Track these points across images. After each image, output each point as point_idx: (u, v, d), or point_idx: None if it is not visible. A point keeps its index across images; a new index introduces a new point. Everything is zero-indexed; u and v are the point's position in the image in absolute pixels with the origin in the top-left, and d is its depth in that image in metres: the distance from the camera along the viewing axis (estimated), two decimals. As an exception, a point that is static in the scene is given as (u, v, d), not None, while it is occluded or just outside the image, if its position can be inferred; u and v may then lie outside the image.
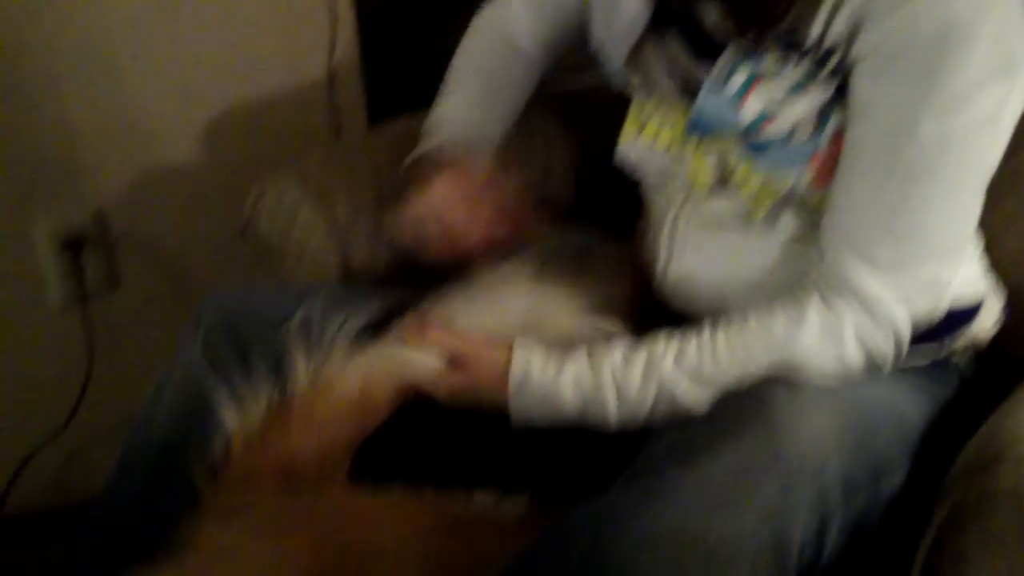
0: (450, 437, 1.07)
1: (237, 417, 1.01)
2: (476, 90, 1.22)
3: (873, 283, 0.93)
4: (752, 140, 0.97)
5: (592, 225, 1.19)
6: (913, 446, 0.94)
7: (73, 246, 1.57)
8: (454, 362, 1.02)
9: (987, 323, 1.07)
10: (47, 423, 1.63)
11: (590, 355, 1.00)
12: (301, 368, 1.01)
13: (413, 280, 1.14)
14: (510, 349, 1.00)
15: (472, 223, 1.09)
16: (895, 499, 0.90)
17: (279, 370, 1.01)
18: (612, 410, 0.97)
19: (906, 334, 0.96)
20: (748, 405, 0.82)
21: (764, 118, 0.95)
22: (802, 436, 0.79)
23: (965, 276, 1.04)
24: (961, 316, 1.04)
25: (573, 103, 1.38)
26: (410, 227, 1.09)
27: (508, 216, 1.12)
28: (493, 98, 1.23)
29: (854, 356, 0.95)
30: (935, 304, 0.97)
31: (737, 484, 0.76)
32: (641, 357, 0.98)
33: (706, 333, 0.97)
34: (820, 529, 0.80)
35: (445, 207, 1.08)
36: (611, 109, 1.10)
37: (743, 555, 0.75)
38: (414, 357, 1.03)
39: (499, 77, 1.23)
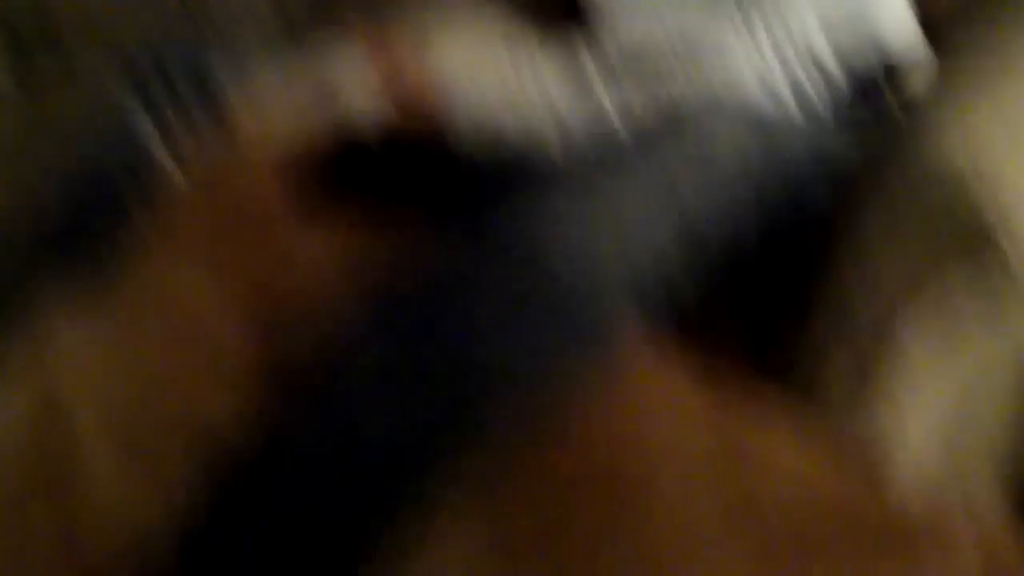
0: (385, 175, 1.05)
1: (169, 150, 0.98)
2: None
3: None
4: None
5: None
6: (833, 171, 0.96)
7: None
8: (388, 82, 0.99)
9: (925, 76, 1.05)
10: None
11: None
12: (235, 99, 0.99)
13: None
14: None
15: None
16: (810, 219, 0.92)
17: (209, 102, 0.99)
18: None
19: (831, 67, 0.96)
20: (670, 119, 0.86)
21: None
22: (719, 142, 0.83)
23: (901, 26, 1.02)
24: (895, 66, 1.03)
25: None
26: None
27: None
28: None
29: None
30: (863, 39, 0.98)
31: (655, 189, 0.80)
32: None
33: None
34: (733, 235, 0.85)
35: None
36: None
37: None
38: (351, 79, 0.99)
39: None
